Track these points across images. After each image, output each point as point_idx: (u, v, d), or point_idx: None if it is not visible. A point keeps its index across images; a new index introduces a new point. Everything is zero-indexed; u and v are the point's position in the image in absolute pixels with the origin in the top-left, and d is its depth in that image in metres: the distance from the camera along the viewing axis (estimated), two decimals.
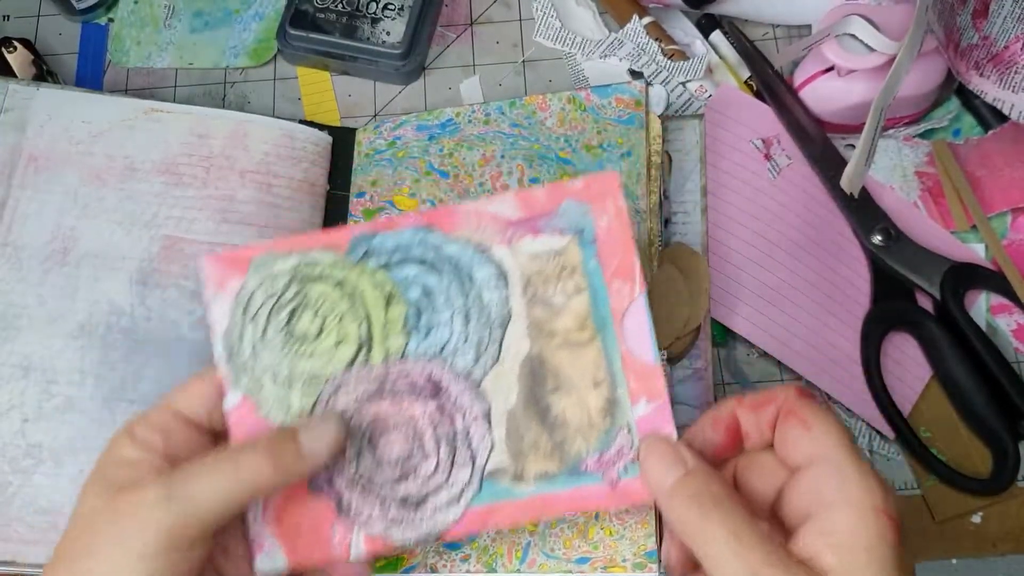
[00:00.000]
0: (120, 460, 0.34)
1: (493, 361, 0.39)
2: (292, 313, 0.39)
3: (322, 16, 0.58)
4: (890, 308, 0.52)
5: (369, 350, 0.39)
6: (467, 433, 0.38)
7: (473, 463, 0.38)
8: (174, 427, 0.36)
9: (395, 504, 0.38)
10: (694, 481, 0.33)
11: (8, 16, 0.62)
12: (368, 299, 0.39)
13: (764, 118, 0.56)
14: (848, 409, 0.51)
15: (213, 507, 0.33)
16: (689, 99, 0.58)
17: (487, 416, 0.38)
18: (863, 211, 0.53)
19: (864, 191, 0.53)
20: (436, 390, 0.38)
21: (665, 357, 0.48)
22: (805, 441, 0.33)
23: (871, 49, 0.52)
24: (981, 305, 0.53)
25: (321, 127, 0.55)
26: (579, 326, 0.39)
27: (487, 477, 0.38)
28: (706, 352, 0.50)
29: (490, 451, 0.38)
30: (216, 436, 0.37)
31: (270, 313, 0.39)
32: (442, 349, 0.39)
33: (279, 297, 0.39)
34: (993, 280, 0.52)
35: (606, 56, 0.59)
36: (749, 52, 0.58)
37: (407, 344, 0.39)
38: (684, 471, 0.34)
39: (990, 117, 0.56)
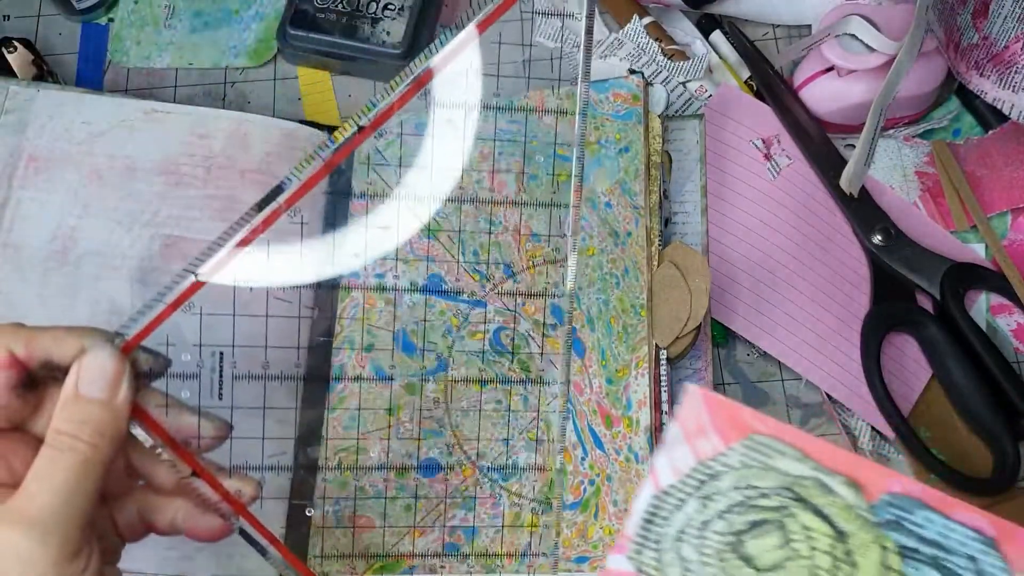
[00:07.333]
0: None
1: None
2: (755, 524, 0.29)
3: (322, 16, 0.58)
4: (890, 308, 0.52)
5: None
6: None
7: None
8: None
9: None
10: None
11: (8, 16, 0.62)
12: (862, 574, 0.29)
13: (764, 118, 0.56)
14: (848, 409, 0.51)
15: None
16: (689, 99, 0.58)
17: None
18: (863, 211, 0.53)
19: (864, 191, 0.53)
20: None
21: (665, 357, 0.48)
22: None
23: (871, 49, 0.52)
24: (981, 305, 0.53)
25: (321, 127, 0.55)
26: None
27: None
28: (706, 352, 0.50)
29: None
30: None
31: (730, 507, 0.29)
32: None
33: (753, 497, 0.30)
34: (993, 280, 0.52)
35: (606, 56, 0.59)
36: (749, 52, 0.58)
37: None
38: None
39: (990, 117, 0.56)
